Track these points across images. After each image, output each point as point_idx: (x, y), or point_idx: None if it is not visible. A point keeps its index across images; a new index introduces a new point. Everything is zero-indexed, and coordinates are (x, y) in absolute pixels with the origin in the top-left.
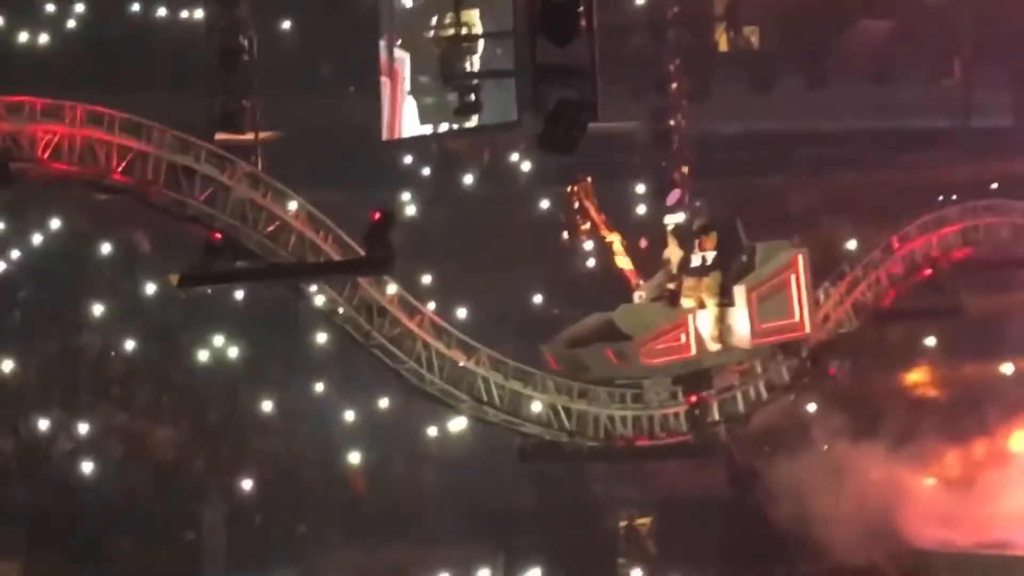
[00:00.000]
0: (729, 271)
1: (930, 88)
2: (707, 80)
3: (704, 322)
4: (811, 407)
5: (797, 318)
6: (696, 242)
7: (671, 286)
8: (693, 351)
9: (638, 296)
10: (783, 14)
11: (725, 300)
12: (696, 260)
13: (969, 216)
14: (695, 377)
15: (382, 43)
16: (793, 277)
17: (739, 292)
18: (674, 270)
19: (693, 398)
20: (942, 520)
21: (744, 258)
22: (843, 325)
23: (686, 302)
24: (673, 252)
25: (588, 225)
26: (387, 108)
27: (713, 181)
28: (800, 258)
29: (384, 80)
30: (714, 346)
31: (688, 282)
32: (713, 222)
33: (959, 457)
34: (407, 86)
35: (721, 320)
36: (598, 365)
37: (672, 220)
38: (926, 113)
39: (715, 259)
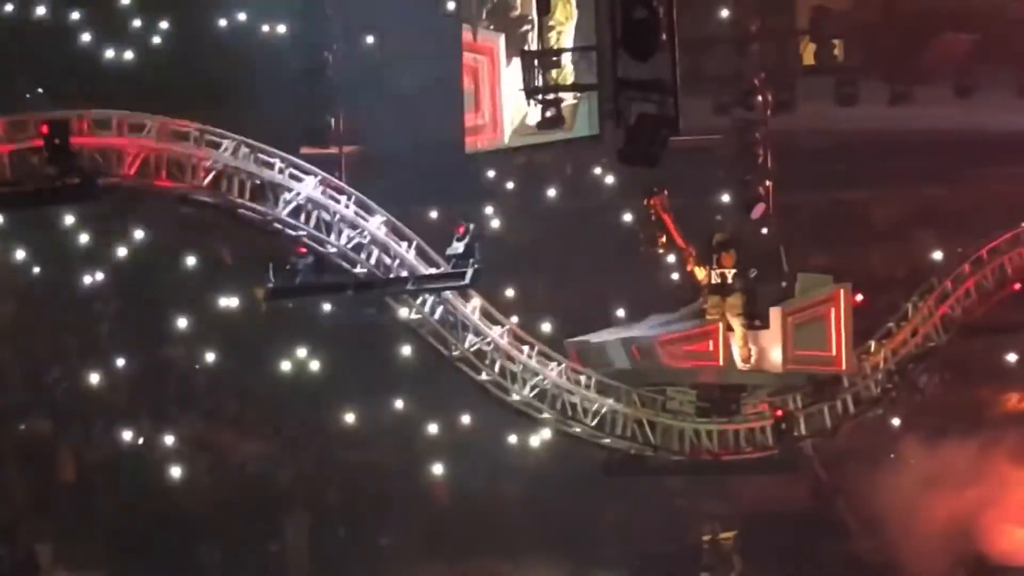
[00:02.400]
0: (766, 294)
1: (1015, 99)
2: (791, 93)
3: (731, 342)
4: (896, 421)
5: (834, 352)
6: (715, 258)
7: (704, 306)
8: (720, 362)
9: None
10: (867, 27)
11: (759, 322)
12: (715, 278)
13: None
14: (722, 401)
15: (466, 56)
16: (833, 311)
17: (775, 314)
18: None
19: (779, 412)
20: None
21: (784, 284)
22: (931, 339)
23: (709, 320)
24: (701, 274)
25: (665, 238)
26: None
27: (797, 195)
28: (843, 293)
29: (468, 93)
30: (742, 366)
31: (711, 300)
32: (731, 239)
33: None
34: (496, 98)
35: (749, 341)
36: (621, 359)
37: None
38: (1012, 124)
39: (736, 277)
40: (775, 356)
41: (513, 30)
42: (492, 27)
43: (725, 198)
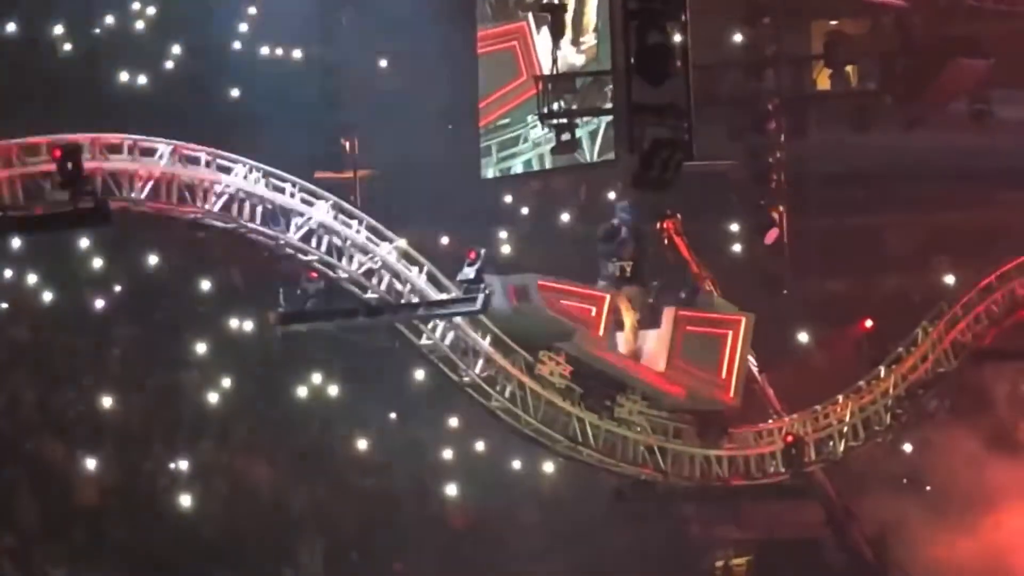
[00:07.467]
0: (664, 296)
1: None
2: (805, 118)
3: (619, 336)
4: (908, 447)
5: (724, 376)
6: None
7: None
8: (600, 331)
9: None
10: (882, 52)
11: (650, 322)
12: (613, 268)
13: None
14: (597, 392)
15: (481, 79)
16: (731, 335)
17: (668, 314)
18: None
19: (789, 437)
20: None
21: (683, 295)
22: (941, 365)
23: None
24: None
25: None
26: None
27: (810, 220)
28: (744, 321)
29: (508, 61)
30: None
31: (604, 286)
32: (636, 234)
33: None
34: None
35: (637, 338)
36: (499, 300)
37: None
38: None
39: (634, 270)
40: (659, 357)
41: (535, 8)
42: (519, 13)
43: (735, 226)
